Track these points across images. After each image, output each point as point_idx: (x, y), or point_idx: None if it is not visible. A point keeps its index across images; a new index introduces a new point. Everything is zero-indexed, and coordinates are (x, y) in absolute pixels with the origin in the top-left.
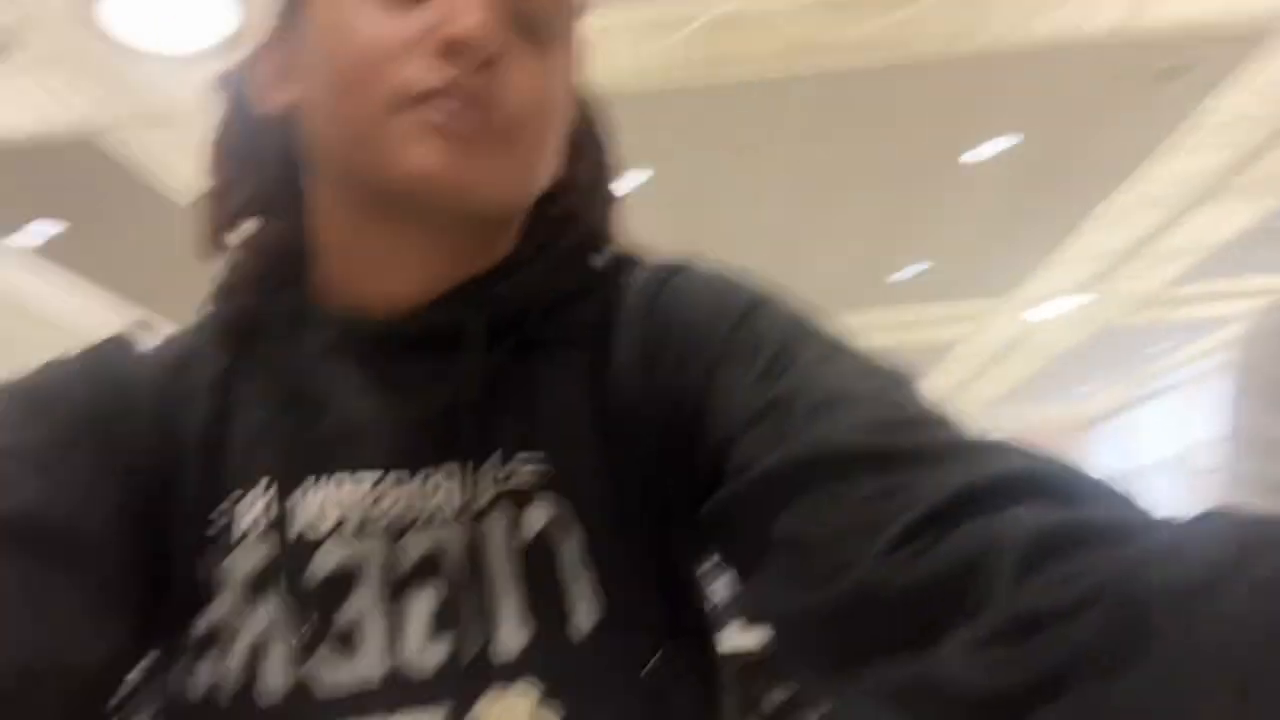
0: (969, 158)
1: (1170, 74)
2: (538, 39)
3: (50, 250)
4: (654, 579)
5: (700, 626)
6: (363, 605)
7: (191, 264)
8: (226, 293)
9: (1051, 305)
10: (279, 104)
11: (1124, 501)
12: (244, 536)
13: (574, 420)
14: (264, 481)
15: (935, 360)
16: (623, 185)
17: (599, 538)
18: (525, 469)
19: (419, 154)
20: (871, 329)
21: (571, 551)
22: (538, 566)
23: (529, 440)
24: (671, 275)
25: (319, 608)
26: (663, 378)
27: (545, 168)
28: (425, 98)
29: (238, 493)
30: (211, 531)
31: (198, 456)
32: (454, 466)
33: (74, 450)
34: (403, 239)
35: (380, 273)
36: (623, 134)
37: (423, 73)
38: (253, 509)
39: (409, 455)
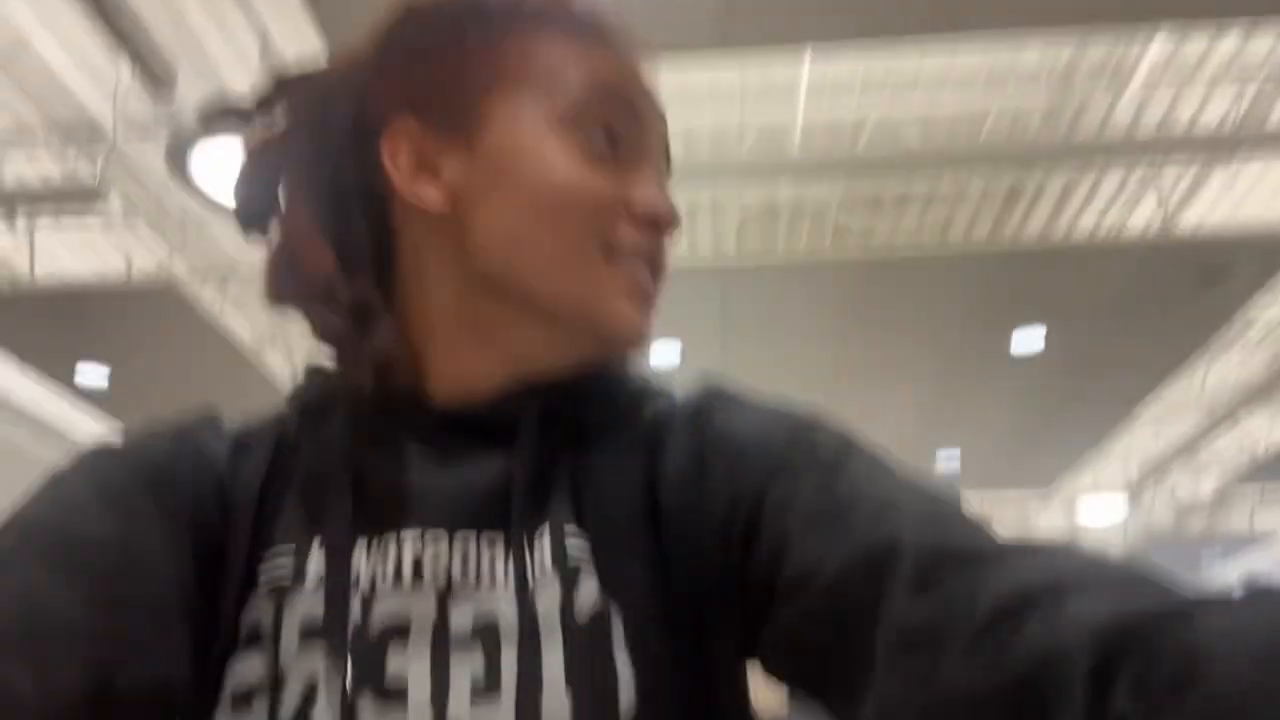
0: (1005, 350)
1: (1210, 278)
2: None
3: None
4: (694, 667)
5: (740, 713)
6: (411, 660)
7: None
8: (306, 373)
9: (1097, 504)
10: (429, 199)
11: (1174, 589)
12: (297, 589)
13: (625, 508)
14: (318, 539)
15: None
16: (658, 356)
17: (641, 620)
18: (574, 545)
19: (627, 307)
20: None
21: (616, 630)
22: (584, 642)
23: (580, 520)
24: (726, 393)
25: (368, 659)
26: (718, 482)
27: None
28: (629, 254)
29: (289, 546)
30: (262, 581)
31: (249, 514)
32: (502, 535)
33: (150, 502)
34: (510, 341)
35: (468, 366)
36: (669, 307)
37: (630, 234)
38: (308, 562)
39: (462, 520)
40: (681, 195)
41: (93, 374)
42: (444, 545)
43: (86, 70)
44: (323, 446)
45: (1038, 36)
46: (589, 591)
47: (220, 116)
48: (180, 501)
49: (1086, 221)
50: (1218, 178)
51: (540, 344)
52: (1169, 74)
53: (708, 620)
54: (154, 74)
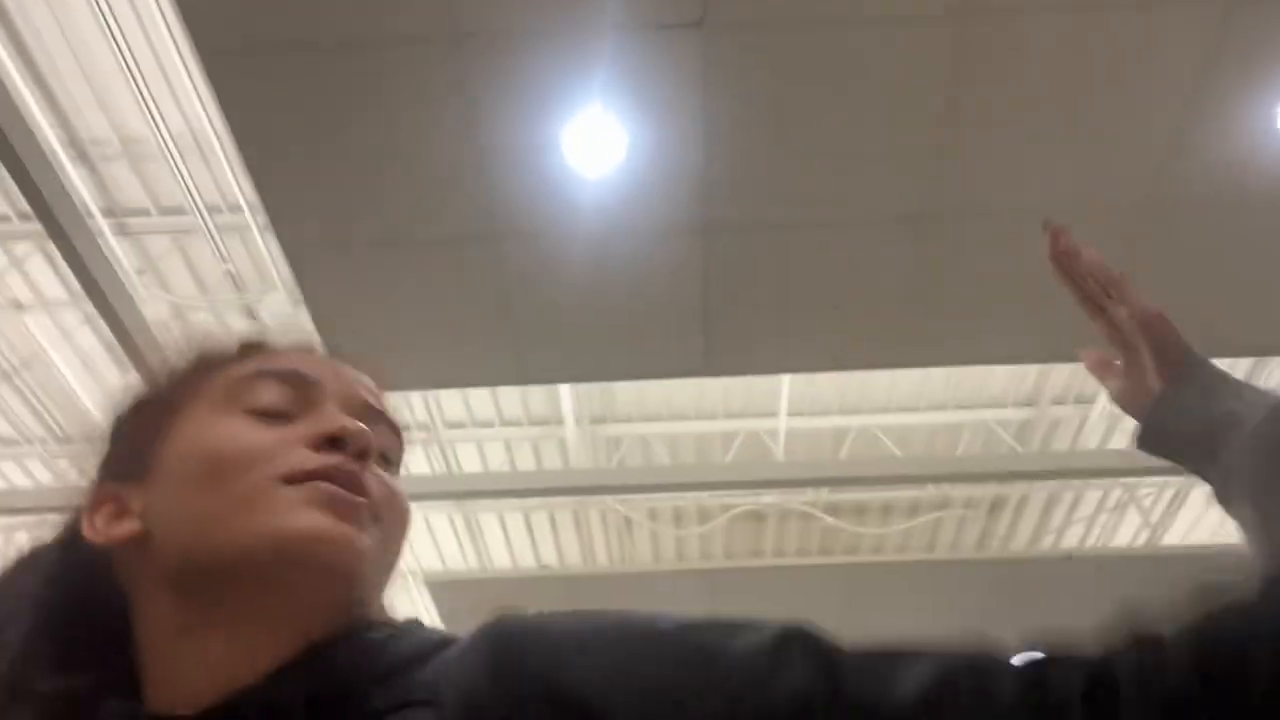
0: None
1: (1203, 597)
2: (386, 464)
3: None
4: None
5: None
6: None
7: None
8: None
9: None
10: (122, 530)
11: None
12: None
13: None
14: None
15: None
16: None
17: None
18: None
19: (317, 517)
20: None
21: None
22: None
23: None
24: (498, 634)
25: None
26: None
27: (394, 564)
28: (312, 475)
29: None
30: None
31: None
32: None
33: None
34: (238, 625)
35: (203, 669)
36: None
37: (309, 458)
38: None
39: None
40: (667, 500)
41: None
42: None
43: (97, 384)
44: None
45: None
46: None
47: None
48: None
49: (1073, 533)
50: (1196, 495)
51: (267, 616)
52: None
53: None
54: None
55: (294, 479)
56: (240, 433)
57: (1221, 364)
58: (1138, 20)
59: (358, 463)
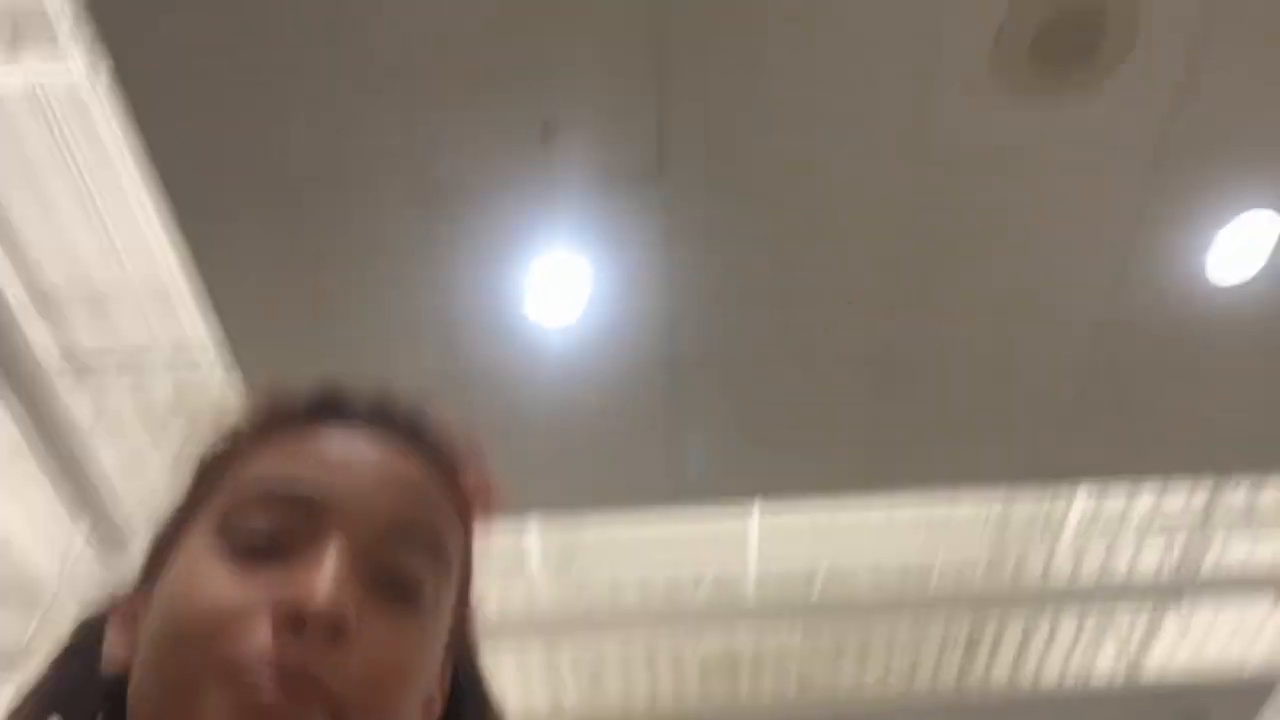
0: None
1: None
2: (402, 599)
3: None
4: None
5: None
6: None
7: None
8: None
9: None
10: (109, 657)
11: None
12: None
13: None
14: None
15: None
16: None
17: None
18: None
19: None
20: None
21: None
22: None
23: None
24: None
25: None
26: None
27: None
28: (254, 665)
29: None
30: None
31: None
32: None
33: None
34: None
35: None
36: None
37: (261, 641)
38: None
39: None
40: (639, 645)
41: None
42: None
43: (40, 533)
44: None
45: (967, 493)
46: None
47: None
48: None
49: (1052, 667)
50: (1171, 623)
51: None
52: (1098, 526)
53: None
54: (110, 537)
55: (233, 674)
56: (208, 587)
57: (1182, 487)
58: (1069, 170)
59: (325, 644)
